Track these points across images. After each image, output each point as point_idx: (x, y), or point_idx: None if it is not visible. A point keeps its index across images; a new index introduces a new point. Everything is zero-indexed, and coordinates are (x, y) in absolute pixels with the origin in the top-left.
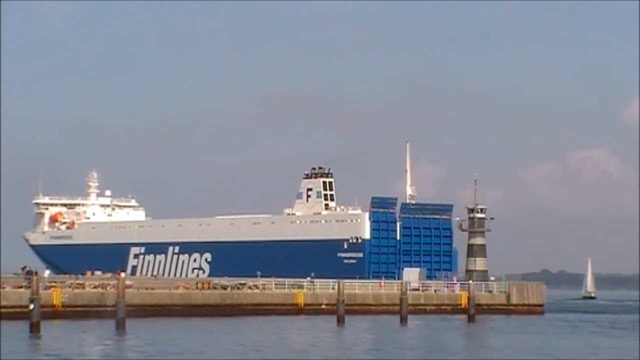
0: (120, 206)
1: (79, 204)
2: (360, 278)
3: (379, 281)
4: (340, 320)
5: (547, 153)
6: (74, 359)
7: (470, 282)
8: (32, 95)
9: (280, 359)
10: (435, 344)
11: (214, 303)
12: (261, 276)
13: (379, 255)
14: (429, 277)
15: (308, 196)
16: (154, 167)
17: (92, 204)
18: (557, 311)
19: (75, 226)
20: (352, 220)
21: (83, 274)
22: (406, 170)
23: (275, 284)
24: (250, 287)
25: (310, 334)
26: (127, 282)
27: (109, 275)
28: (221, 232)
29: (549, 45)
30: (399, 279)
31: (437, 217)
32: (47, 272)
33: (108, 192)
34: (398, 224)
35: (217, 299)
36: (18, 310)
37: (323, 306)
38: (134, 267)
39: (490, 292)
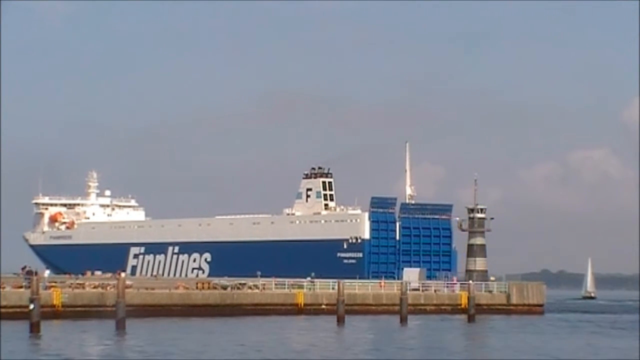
0: (120, 206)
1: (78, 204)
2: (359, 278)
3: (379, 281)
4: (340, 320)
5: (547, 153)
6: (74, 359)
7: (470, 282)
8: (32, 95)
9: (280, 359)
10: (435, 344)
11: (214, 303)
12: (261, 276)
13: (379, 255)
14: (429, 277)
15: (308, 196)
16: (153, 167)
17: (92, 204)
18: (557, 311)
19: (75, 226)
20: (351, 220)
21: (83, 274)
22: (406, 170)
23: (275, 284)
24: (250, 287)
25: (310, 334)
26: (127, 282)
27: (109, 275)
28: (221, 232)
29: (549, 45)
30: (398, 279)
31: (436, 217)
32: (47, 272)
33: (108, 192)
34: (398, 224)
35: (217, 299)
36: (18, 310)
37: (323, 306)
38: (134, 267)
39: (490, 292)
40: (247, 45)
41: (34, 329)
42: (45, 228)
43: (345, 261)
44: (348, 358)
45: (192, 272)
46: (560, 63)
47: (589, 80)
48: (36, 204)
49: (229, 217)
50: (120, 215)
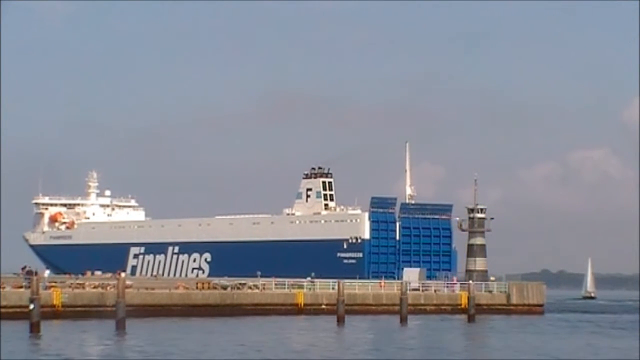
0: (120, 206)
1: (78, 204)
2: (359, 278)
3: (379, 281)
4: (340, 320)
5: (547, 153)
6: (74, 359)
7: (470, 282)
8: (32, 95)
9: (280, 359)
10: (435, 344)
11: (214, 303)
12: (261, 276)
13: (379, 255)
14: (429, 277)
15: (308, 196)
16: (153, 167)
17: (92, 204)
18: (557, 311)
19: (75, 226)
20: (351, 220)
21: (83, 274)
22: (406, 170)
23: (275, 284)
24: (250, 287)
25: (310, 334)
26: (127, 282)
27: (109, 275)
28: (221, 232)
29: (549, 45)
30: (398, 279)
31: (436, 217)
32: (47, 272)
33: (108, 192)
34: (397, 224)
35: (217, 299)
36: (18, 310)
37: (323, 306)
38: (134, 267)
39: (490, 292)
40: (247, 45)
41: (34, 329)
42: (45, 228)
43: (345, 261)
44: (348, 358)
45: (192, 272)
46: (560, 63)
47: (589, 80)
48: (36, 204)
49: (229, 217)
50: (120, 215)
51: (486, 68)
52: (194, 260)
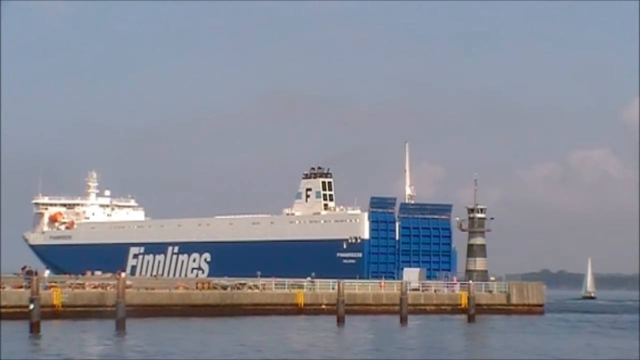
0: (119, 206)
1: (78, 204)
2: (359, 278)
3: (379, 281)
4: (340, 320)
5: (547, 153)
6: (74, 359)
7: (470, 282)
8: (32, 95)
9: (280, 359)
10: (435, 344)
11: (214, 303)
12: (261, 276)
13: (378, 255)
14: (428, 277)
15: (307, 196)
16: (153, 167)
17: (92, 204)
18: (557, 311)
19: (75, 226)
20: (351, 220)
21: (83, 274)
22: (405, 170)
23: (275, 284)
24: (250, 287)
25: (310, 334)
26: (127, 282)
27: (109, 275)
28: (220, 232)
29: (549, 45)
30: (398, 279)
31: (436, 217)
32: (47, 272)
33: (107, 192)
34: (397, 224)
35: (217, 299)
36: (18, 310)
37: (323, 306)
38: (134, 267)
39: (490, 292)
40: (247, 45)
41: (34, 329)
42: (45, 228)
43: (345, 261)
44: (348, 358)
45: (192, 272)
46: (560, 63)
47: (589, 80)
48: (36, 204)
49: (228, 217)
50: (119, 215)
51: (486, 68)
52: (194, 260)
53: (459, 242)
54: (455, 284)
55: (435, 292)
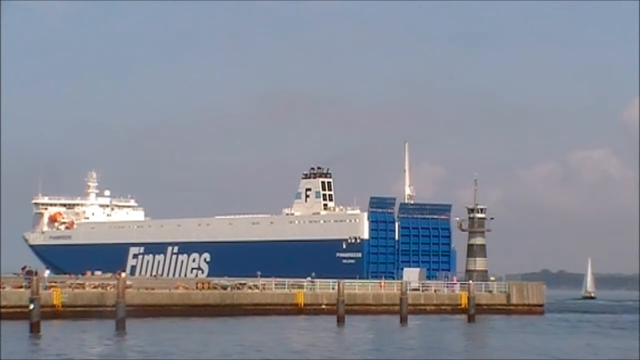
0: (119, 206)
1: (78, 204)
2: (359, 278)
3: (379, 281)
4: (340, 320)
5: (547, 153)
6: (74, 359)
7: (470, 282)
8: (32, 95)
9: (280, 359)
10: (435, 344)
11: (214, 303)
12: (261, 276)
13: (378, 255)
14: (428, 277)
15: (307, 196)
16: (153, 167)
17: (92, 204)
18: (557, 311)
19: (75, 226)
20: (350, 220)
21: (83, 274)
22: (405, 170)
23: (275, 284)
24: (250, 287)
25: (310, 334)
26: (127, 282)
27: (109, 275)
28: (220, 232)
29: (549, 45)
30: (397, 279)
31: (435, 217)
32: (47, 272)
33: (107, 192)
34: (397, 224)
35: (217, 299)
36: (18, 310)
37: (323, 306)
38: (133, 267)
39: (490, 292)
40: (247, 45)
41: (34, 329)
42: (45, 228)
43: (345, 261)
44: (348, 358)
45: (192, 272)
46: (560, 63)
47: (589, 80)
48: (36, 204)
49: (228, 217)
50: (119, 215)
51: (486, 68)
52: (194, 260)
53: (459, 242)
54: (455, 284)
55: (435, 292)
